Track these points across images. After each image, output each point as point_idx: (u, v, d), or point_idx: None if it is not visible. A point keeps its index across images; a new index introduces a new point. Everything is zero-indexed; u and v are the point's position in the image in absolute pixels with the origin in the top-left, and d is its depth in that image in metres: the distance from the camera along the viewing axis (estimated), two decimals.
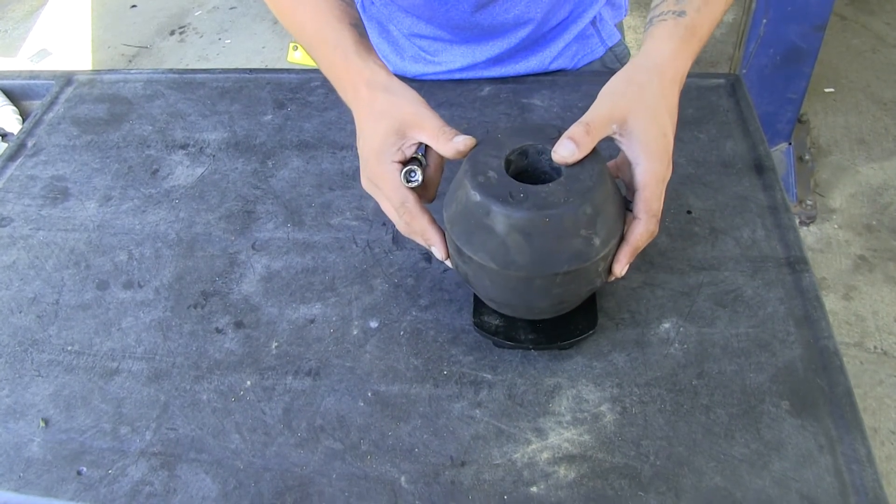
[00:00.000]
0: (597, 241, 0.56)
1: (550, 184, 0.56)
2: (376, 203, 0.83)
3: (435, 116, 0.62)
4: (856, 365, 1.77)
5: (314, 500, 0.60)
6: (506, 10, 0.88)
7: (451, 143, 0.60)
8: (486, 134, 0.91)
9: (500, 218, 0.55)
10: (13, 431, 0.66)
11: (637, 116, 0.59)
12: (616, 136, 0.60)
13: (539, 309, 0.63)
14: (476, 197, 0.56)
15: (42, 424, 0.67)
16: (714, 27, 0.68)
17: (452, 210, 0.60)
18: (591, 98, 0.60)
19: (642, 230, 0.59)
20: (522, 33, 0.92)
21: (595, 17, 0.97)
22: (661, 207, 0.60)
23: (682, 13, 0.65)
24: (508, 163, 0.59)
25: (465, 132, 0.61)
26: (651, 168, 0.58)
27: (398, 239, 0.79)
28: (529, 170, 0.61)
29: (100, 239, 0.82)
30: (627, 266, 0.61)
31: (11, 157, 0.94)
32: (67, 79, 1.06)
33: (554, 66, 0.98)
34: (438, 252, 0.64)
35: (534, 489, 0.59)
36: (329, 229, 0.81)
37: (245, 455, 0.63)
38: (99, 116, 0.99)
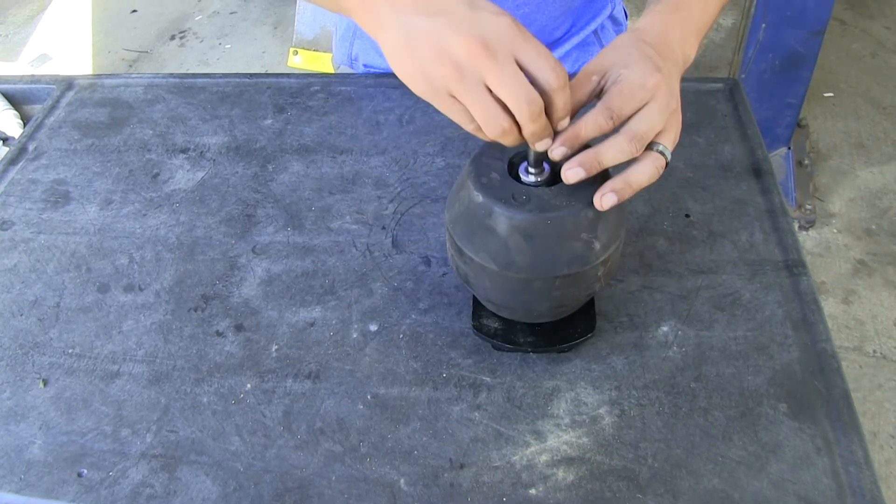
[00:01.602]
0: (597, 246, 0.57)
1: (553, 187, 0.56)
2: (376, 206, 0.83)
3: None
4: (855, 369, 1.77)
5: (314, 501, 0.60)
6: (516, 6, 0.88)
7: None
8: None
9: (502, 219, 0.56)
10: (14, 434, 0.66)
11: (616, 59, 0.55)
12: (603, 85, 0.55)
13: (538, 312, 0.63)
14: (479, 198, 0.57)
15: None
16: (713, 9, 0.65)
17: (455, 211, 0.60)
18: None
19: (588, 117, 0.52)
20: None
21: (597, 28, 0.97)
22: (628, 112, 0.52)
23: None
24: (512, 165, 0.59)
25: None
26: (628, 73, 0.53)
27: (397, 242, 0.80)
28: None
29: (101, 242, 0.83)
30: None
31: (13, 160, 0.94)
32: (68, 83, 1.06)
33: None
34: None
35: (532, 491, 0.59)
36: (329, 233, 0.81)
37: (245, 457, 0.63)
38: (100, 121, 1.00)
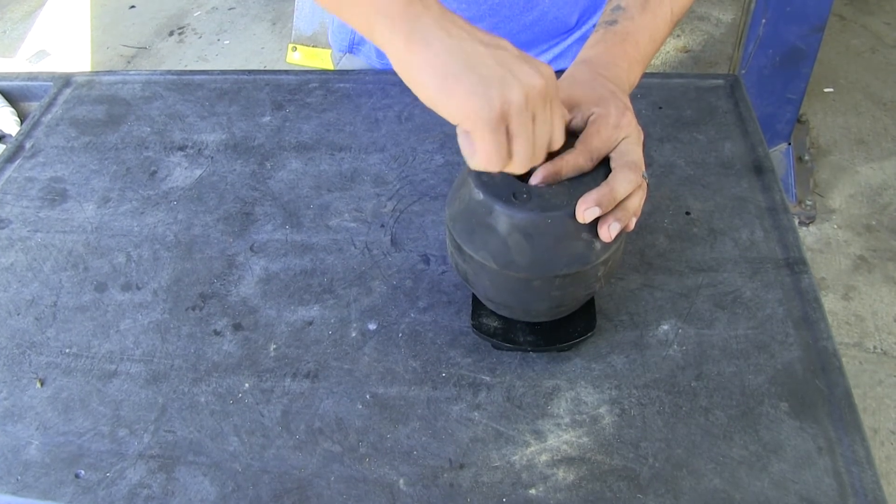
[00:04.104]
0: (598, 246, 0.56)
1: (554, 185, 0.56)
2: (374, 204, 0.83)
3: None
4: (855, 365, 1.76)
5: (312, 502, 0.60)
6: None
7: None
8: None
9: (503, 218, 0.55)
10: (11, 434, 0.66)
11: (584, 97, 0.58)
12: (573, 121, 0.58)
13: (537, 311, 0.63)
14: (479, 195, 0.56)
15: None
16: (661, 33, 0.68)
17: (455, 208, 0.60)
18: None
19: (569, 157, 0.55)
20: (528, 18, 0.92)
21: (597, 20, 0.97)
22: (605, 152, 0.57)
23: (613, 22, 0.66)
24: None
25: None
26: (602, 113, 0.56)
27: (396, 241, 0.79)
28: (534, 170, 0.61)
29: (98, 241, 0.82)
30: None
31: (9, 158, 0.94)
32: (66, 80, 1.06)
33: (554, 68, 0.98)
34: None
35: (532, 491, 0.59)
36: (327, 231, 0.81)
37: (243, 457, 0.63)
38: (97, 118, 0.99)
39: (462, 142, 0.51)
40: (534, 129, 0.50)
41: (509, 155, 0.51)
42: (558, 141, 0.53)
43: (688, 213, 0.79)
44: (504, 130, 0.49)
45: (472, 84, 0.48)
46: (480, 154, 0.50)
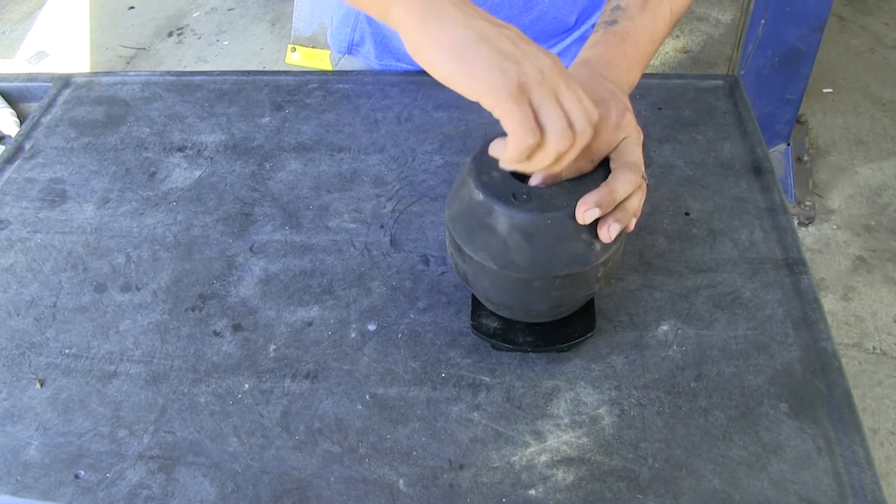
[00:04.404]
0: (598, 246, 0.56)
1: (554, 186, 0.56)
2: (374, 205, 0.83)
3: None
4: (854, 366, 1.77)
5: (312, 503, 0.60)
6: None
7: None
8: (486, 136, 0.90)
9: (503, 218, 0.55)
10: (11, 435, 0.66)
11: None
12: None
13: (537, 312, 0.63)
14: (479, 196, 0.56)
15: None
16: (661, 33, 0.68)
17: (455, 208, 0.60)
18: None
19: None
20: (528, 18, 0.92)
21: (595, 21, 0.97)
22: (605, 153, 0.57)
23: (613, 22, 0.66)
24: None
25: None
26: (602, 114, 0.56)
27: (396, 241, 0.79)
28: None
29: (97, 241, 0.82)
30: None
31: (9, 159, 0.94)
32: (65, 81, 1.06)
33: None
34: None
35: (532, 492, 0.59)
36: (327, 232, 0.81)
37: (243, 458, 0.63)
38: (96, 119, 0.99)
39: (493, 147, 0.53)
40: (561, 103, 0.50)
41: (540, 129, 0.49)
42: (594, 113, 0.51)
43: (687, 214, 0.79)
44: (527, 102, 0.49)
45: (489, 57, 0.48)
46: (510, 131, 0.49)
